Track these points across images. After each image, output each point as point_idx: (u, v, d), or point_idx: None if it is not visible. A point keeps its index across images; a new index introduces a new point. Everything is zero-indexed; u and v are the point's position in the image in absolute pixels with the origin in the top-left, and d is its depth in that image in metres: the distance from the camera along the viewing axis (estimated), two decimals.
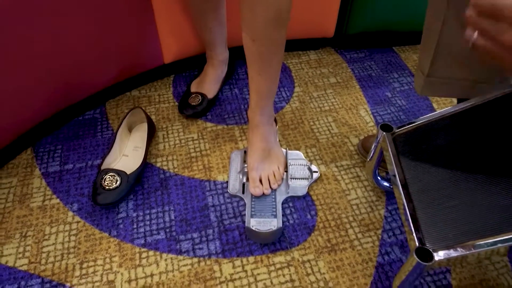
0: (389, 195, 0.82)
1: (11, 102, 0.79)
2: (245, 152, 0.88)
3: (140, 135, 0.90)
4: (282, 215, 0.77)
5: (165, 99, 1.02)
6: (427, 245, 0.52)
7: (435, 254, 0.50)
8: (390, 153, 0.64)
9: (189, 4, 0.90)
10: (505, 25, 0.32)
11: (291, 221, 0.77)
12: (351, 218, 0.78)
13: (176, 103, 1.01)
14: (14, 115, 0.82)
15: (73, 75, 0.88)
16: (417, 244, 0.52)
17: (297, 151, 0.89)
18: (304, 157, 0.87)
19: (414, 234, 0.53)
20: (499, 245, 0.49)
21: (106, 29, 0.87)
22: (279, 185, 0.82)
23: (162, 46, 1.00)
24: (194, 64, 1.10)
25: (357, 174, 0.86)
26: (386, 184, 0.80)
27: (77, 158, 0.87)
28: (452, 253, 0.50)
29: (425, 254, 0.50)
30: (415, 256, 0.50)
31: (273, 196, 0.80)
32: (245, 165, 0.84)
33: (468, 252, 0.50)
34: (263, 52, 0.74)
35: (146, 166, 0.86)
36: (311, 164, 0.86)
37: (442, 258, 0.50)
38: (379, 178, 0.80)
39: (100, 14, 0.85)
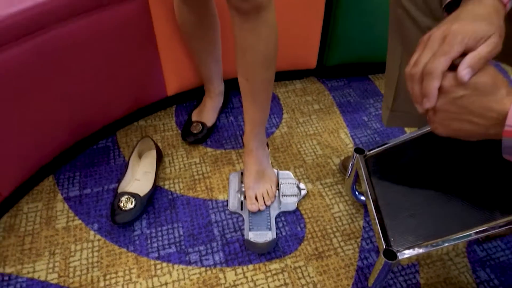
0: (366, 208, 0.95)
1: (36, 137, 0.91)
2: (241, 173, 1.01)
3: (149, 161, 1.02)
4: (276, 228, 0.90)
5: (169, 128, 1.15)
6: (392, 247, 0.65)
7: (398, 254, 0.63)
8: (363, 172, 0.77)
9: (189, 45, 1.04)
10: (453, 107, 0.45)
11: (283, 233, 0.90)
12: (334, 229, 0.91)
13: (179, 131, 1.14)
14: (38, 148, 0.94)
15: (88, 110, 1.01)
16: (384, 246, 0.65)
17: (287, 171, 1.02)
18: (293, 177, 1.01)
19: (382, 239, 0.66)
20: (449, 243, 0.63)
21: (116, 68, 1.00)
22: (272, 202, 0.94)
23: (165, 80, 1.14)
24: (193, 96, 1.23)
25: (339, 190, 0.99)
26: (362, 198, 0.93)
27: (94, 183, 0.99)
28: (412, 252, 0.64)
29: (391, 255, 0.64)
30: (382, 256, 0.64)
31: (268, 212, 0.93)
32: (242, 185, 0.97)
33: (425, 251, 0.63)
34: (255, 88, 0.88)
35: (156, 188, 0.98)
36: (299, 182, 0.99)
37: (404, 257, 0.63)
38: (357, 193, 0.93)
39: (111, 56, 0.98)
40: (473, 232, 0.62)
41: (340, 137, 1.13)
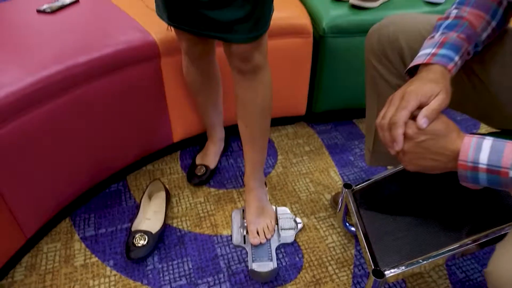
0: (356, 238, 1.06)
1: (57, 183, 1.01)
2: (243, 210, 1.11)
3: (159, 202, 1.12)
4: (277, 259, 0.99)
5: (175, 171, 1.27)
6: (380, 267, 0.75)
7: (385, 272, 0.74)
8: (351, 204, 0.89)
9: (195, 99, 1.18)
10: (418, 149, 0.58)
11: (283, 263, 0.99)
12: (329, 258, 1.01)
13: (184, 174, 1.25)
14: (58, 193, 1.03)
15: (102, 157, 1.12)
16: (372, 267, 0.75)
17: (284, 207, 1.13)
18: (290, 212, 1.11)
19: (371, 261, 0.77)
20: (427, 261, 0.73)
21: (130, 119, 1.13)
22: (272, 235, 1.04)
23: (172, 129, 1.27)
24: (195, 142, 1.36)
25: (332, 223, 1.10)
26: (352, 229, 1.04)
27: (108, 224, 1.08)
28: (397, 270, 0.74)
29: (379, 274, 0.74)
30: (372, 275, 0.74)
31: (268, 244, 1.02)
32: (244, 220, 1.07)
33: (407, 268, 0.74)
34: (254, 135, 1.01)
35: (165, 226, 1.07)
36: (295, 217, 1.10)
37: (390, 275, 0.74)
38: (347, 225, 1.04)
39: (126, 108, 1.11)
40: (445, 250, 0.73)
41: (330, 175, 1.26)
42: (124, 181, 1.23)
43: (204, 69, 1.08)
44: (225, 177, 1.25)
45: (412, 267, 0.74)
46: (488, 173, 0.53)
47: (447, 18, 0.69)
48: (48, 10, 1.19)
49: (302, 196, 1.18)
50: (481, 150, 0.53)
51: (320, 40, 1.28)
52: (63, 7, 1.22)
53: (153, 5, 0.96)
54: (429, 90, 0.58)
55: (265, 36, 0.88)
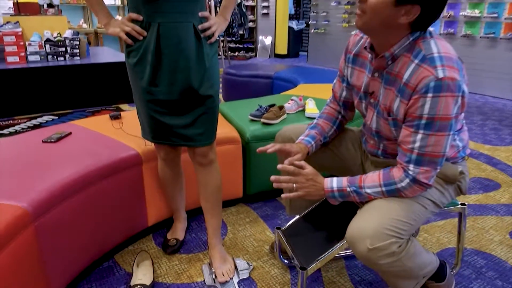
0: (290, 268, 1.55)
1: (64, 264, 1.37)
2: (209, 264, 1.54)
3: (146, 267, 1.50)
4: None
5: (151, 247, 1.67)
6: (304, 265, 1.26)
7: (308, 267, 1.25)
8: (282, 236, 1.41)
9: (166, 190, 1.67)
10: (302, 179, 1.17)
11: None
12: (275, 283, 1.47)
13: (159, 249, 1.66)
14: (63, 272, 1.37)
15: (98, 240, 1.50)
16: (299, 265, 1.26)
17: (238, 257, 1.59)
18: (243, 259, 1.58)
19: (298, 262, 1.27)
20: (327, 255, 1.26)
21: (117, 211, 1.57)
22: (233, 275, 1.48)
23: (148, 215, 1.71)
24: (163, 225, 1.80)
25: (273, 262, 1.58)
26: (286, 261, 1.54)
27: None
28: (312, 265, 1.25)
29: (303, 268, 1.24)
30: (300, 270, 1.24)
31: (232, 281, 1.45)
32: (212, 269, 1.50)
33: (315, 263, 1.25)
34: (213, 206, 1.53)
35: (155, 282, 1.45)
36: (247, 262, 1.56)
37: (309, 267, 1.24)
38: (283, 259, 1.54)
39: (114, 202, 1.55)
40: (334, 248, 1.27)
41: (266, 234, 1.77)
42: (113, 259, 1.59)
43: (175, 169, 1.62)
44: (191, 245, 1.69)
45: (320, 258, 1.26)
46: (338, 192, 1.13)
47: (311, 124, 1.38)
48: (53, 139, 1.67)
49: (249, 249, 1.66)
50: (333, 181, 1.14)
51: (246, 145, 1.93)
52: (61, 138, 1.71)
53: (130, 130, 1.52)
54: (294, 150, 1.21)
55: (215, 142, 1.48)
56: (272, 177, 1.19)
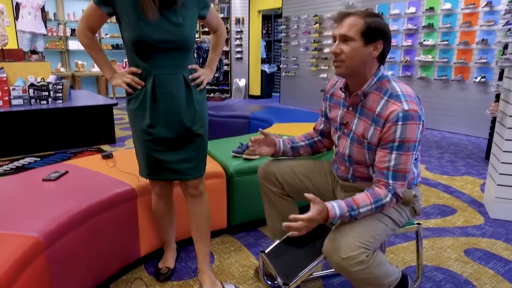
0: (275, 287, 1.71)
1: None
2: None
3: None
4: None
5: (144, 277, 1.79)
6: (287, 282, 1.43)
7: (290, 283, 1.42)
8: (265, 258, 1.58)
9: (158, 222, 1.82)
10: (313, 225, 1.33)
11: None
12: None
13: (151, 277, 1.78)
14: None
15: (96, 269, 1.62)
16: (283, 283, 1.43)
17: (227, 282, 1.73)
18: (231, 283, 1.72)
19: (282, 282, 1.45)
20: (305, 272, 1.45)
21: (112, 241, 1.70)
22: None
23: (140, 246, 1.84)
24: (153, 256, 1.93)
25: (258, 284, 1.74)
26: (269, 283, 1.70)
27: None
28: (296, 280, 1.43)
29: (286, 284, 1.42)
30: (283, 286, 1.41)
31: None
32: None
33: (297, 279, 1.43)
34: (202, 234, 1.69)
35: None
36: (235, 285, 1.71)
37: (292, 283, 1.42)
38: (267, 281, 1.70)
39: (110, 234, 1.69)
40: (312, 264, 1.46)
41: (250, 260, 1.93)
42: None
43: (168, 203, 1.78)
44: (181, 273, 1.82)
45: (299, 276, 1.44)
46: (339, 217, 1.31)
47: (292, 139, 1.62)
48: (53, 178, 1.81)
49: (236, 274, 1.81)
50: (335, 209, 1.31)
51: (230, 179, 2.13)
52: (60, 176, 1.85)
53: (123, 168, 1.69)
54: (271, 139, 1.44)
55: (204, 175, 1.67)
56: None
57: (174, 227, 1.87)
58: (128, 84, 1.53)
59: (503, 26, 3.07)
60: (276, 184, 1.64)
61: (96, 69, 8.14)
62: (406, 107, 1.26)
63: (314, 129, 1.72)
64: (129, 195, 1.75)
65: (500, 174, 2.45)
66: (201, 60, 4.05)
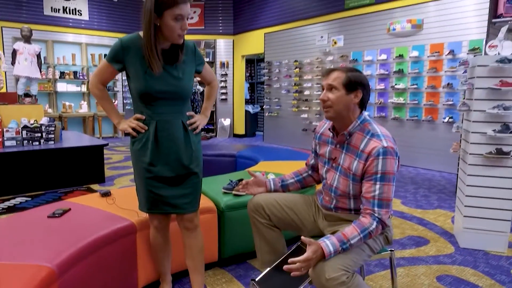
0: None
1: None
2: None
3: None
4: None
5: None
6: None
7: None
8: (255, 284, 1.74)
9: (155, 255, 1.96)
10: (310, 264, 1.50)
11: None
12: None
13: None
14: None
15: None
16: None
17: None
18: None
19: None
20: None
21: (113, 272, 1.82)
22: None
23: (138, 278, 1.96)
24: (152, 287, 2.05)
25: None
26: None
27: None
28: None
29: None
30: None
31: None
32: None
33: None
34: (197, 264, 1.85)
35: None
36: None
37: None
38: None
39: (112, 267, 1.82)
40: (300, 286, 1.63)
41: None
42: None
43: (165, 236, 1.94)
44: None
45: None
46: (334, 253, 1.48)
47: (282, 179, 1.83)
48: (57, 214, 1.95)
49: None
50: (329, 247, 1.50)
51: (221, 214, 2.30)
52: (64, 213, 2.00)
53: (122, 205, 1.86)
54: (261, 180, 1.64)
55: (198, 209, 1.85)
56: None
57: (170, 260, 2.01)
58: (133, 129, 1.74)
59: (463, 72, 3.47)
60: (264, 216, 1.83)
61: (83, 110, 8.32)
62: (385, 144, 1.52)
63: (306, 164, 1.95)
64: (129, 230, 1.90)
65: (465, 206, 2.70)
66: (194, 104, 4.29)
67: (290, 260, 1.46)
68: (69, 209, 2.06)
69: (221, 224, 2.31)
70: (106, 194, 2.34)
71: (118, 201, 2.19)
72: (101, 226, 1.82)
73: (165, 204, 1.77)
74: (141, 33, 1.65)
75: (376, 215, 1.51)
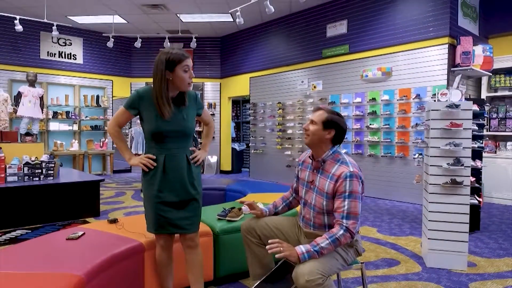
0: None
1: None
2: None
3: None
4: None
5: None
6: None
7: None
8: None
9: (160, 271, 2.25)
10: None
11: None
12: None
13: None
14: None
15: None
16: None
17: None
18: None
19: None
20: None
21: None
22: None
23: None
24: None
25: None
26: None
27: None
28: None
29: None
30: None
31: None
32: None
33: None
34: (198, 279, 2.16)
35: None
36: None
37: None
38: None
39: (123, 282, 2.10)
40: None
41: None
42: None
43: (168, 254, 2.24)
44: None
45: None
46: (307, 253, 1.84)
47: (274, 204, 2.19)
48: (75, 237, 2.24)
49: None
50: (301, 248, 1.85)
51: (216, 237, 2.62)
52: (80, 236, 2.29)
53: (130, 229, 2.17)
54: (259, 209, 2.01)
55: (199, 230, 2.18)
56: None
57: (172, 276, 2.29)
58: (144, 164, 2.10)
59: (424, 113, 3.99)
60: (255, 236, 2.17)
61: (74, 148, 8.56)
62: (351, 169, 1.93)
63: (291, 187, 2.34)
64: (139, 249, 2.21)
65: (429, 229, 3.10)
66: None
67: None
68: (84, 233, 2.35)
69: (216, 246, 2.62)
70: (113, 221, 2.63)
71: (126, 226, 2.49)
72: (116, 245, 2.12)
73: (170, 225, 2.10)
74: (151, 85, 2.07)
75: (344, 224, 1.88)
